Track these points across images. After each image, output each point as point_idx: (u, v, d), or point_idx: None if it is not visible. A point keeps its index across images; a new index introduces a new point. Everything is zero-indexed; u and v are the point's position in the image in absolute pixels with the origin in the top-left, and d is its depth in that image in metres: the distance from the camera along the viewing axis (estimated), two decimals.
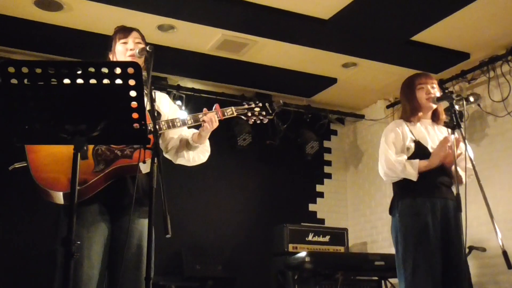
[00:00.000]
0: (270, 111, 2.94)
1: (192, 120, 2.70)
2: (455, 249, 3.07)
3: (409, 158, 3.30)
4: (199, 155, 2.85)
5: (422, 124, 3.36)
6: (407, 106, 3.40)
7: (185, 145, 2.80)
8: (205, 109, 2.75)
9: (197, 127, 2.76)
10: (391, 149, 3.31)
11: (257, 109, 2.91)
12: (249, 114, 2.90)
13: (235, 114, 2.85)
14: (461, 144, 3.14)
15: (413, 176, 3.22)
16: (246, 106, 2.91)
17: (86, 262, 2.40)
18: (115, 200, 2.53)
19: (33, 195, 2.52)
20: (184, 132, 2.82)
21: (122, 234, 2.47)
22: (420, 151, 3.28)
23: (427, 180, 3.22)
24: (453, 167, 3.07)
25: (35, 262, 4.78)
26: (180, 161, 2.87)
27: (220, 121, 2.77)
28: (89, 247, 2.43)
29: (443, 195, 3.23)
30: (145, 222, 2.35)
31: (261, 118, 2.93)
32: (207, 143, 2.85)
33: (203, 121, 2.69)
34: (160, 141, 2.81)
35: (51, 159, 2.41)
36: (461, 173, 3.12)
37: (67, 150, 2.11)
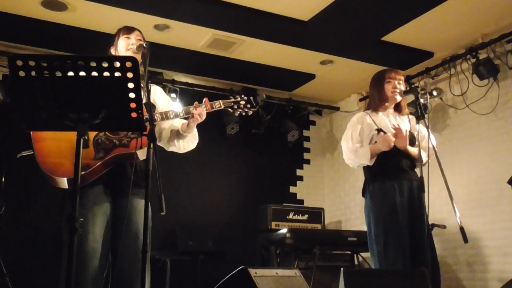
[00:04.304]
0: (254, 104, 2.93)
1: (184, 113, 2.70)
2: (420, 224, 3.08)
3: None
4: (189, 143, 2.85)
5: (385, 114, 3.37)
6: (376, 96, 3.41)
7: (176, 135, 2.79)
8: (196, 103, 2.74)
9: (187, 118, 2.75)
10: (349, 141, 3.35)
11: (242, 102, 2.90)
12: (235, 106, 2.89)
13: (222, 107, 2.83)
14: (424, 130, 3.18)
15: (367, 160, 3.24)
16: (232, 99, 2.90)
17: (90, 236, 2.41)
18: (116, 183, 2.53)
19: (39, 181, 2.50)
20: (175, 123, 2.81)
21: (122, 212, 2.48)
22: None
23: (393, 164, 3.24)
24: (417, 151, 3.10)
25: (42, 243, 4.74)
26: (171, 149, 2.87)
27: (208, 113, 2.76)
28: (93, 224, 2.43)
29: (409, 177, 3.25)
30: (143, 202, 2.35)
31: (246, 110, 2.92)
32: (195, 132, 2.84)
33: (193, 114, 2.69)
34: None
35: (55, 148, 2.40)
36: (423, 153, 3.15)
37: (70, 139, 2.06)
